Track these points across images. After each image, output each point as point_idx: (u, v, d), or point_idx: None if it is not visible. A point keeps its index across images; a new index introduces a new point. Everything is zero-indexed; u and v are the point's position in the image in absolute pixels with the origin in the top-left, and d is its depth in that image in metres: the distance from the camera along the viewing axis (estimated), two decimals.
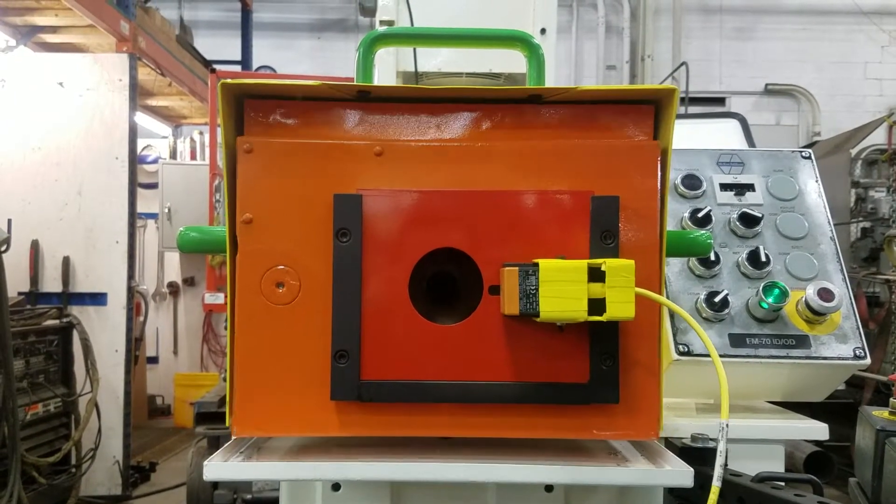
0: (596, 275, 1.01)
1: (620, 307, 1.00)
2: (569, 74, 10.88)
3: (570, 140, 1.15)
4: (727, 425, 1.03)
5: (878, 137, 8.40)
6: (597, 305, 1.01)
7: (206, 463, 1.10)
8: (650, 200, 1.12)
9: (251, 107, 1.16)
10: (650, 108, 1.16)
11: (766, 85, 11.20)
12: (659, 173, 1.13)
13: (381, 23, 2.36)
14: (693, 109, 9.62)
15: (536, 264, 1.02)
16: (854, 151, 8.05)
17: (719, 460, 1.02)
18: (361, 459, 1.14)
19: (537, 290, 1.01)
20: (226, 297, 1.16)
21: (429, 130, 1.17)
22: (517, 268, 1.03)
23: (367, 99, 1.16)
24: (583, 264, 1.01)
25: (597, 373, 1.10)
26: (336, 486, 1.37)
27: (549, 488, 1.39)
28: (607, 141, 1.15)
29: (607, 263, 1.00)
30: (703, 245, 1.28)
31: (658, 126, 1.16)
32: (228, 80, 1.11)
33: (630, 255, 1.08)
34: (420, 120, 1.17)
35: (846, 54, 11.19)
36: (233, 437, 1.20)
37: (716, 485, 1.01)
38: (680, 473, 1.11)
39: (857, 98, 11.18)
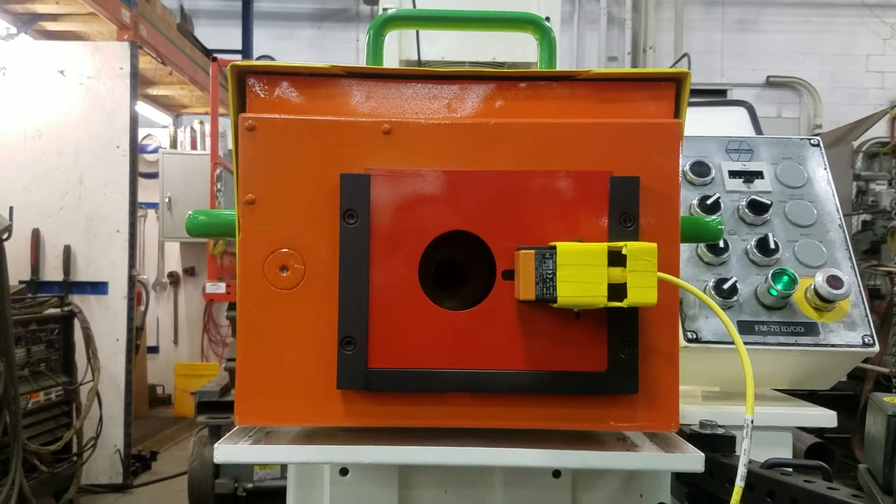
0: (616, 258, 0.96)
1: (642, 292, 0.96)
2: (570, 66, 10.85)
3: (589, 118, 1.10)
4: (752, 421, 0.98)
5: (879, 130, 8.39)
6: (617, 291, 0.96)
7: (216, 446, 1.09)
8: (671, 181, 1.07)
9: (254, 82, 1.11)
10: (671, 86, 1.11)
11: (768, 77, 11.18)
12: (680, 154, 1.09)
13: (386, 10, 2.35)
14: (697, 100, 9.58)
15: (554, 247, 0.98)
16: (855, 144, 8.04)
17: (743, 459, 0.98)
18: (369, 444, 1.12)
19: (554, 274, 0.97)
20: (236, 283, 1.14)
21: (440, 108, 1.12)
22: (533, 251, 0.99)
23: (375, 73, 1.12)
24: (603, 247, 0.97)
25: (615, 361, 1.05)
26: (344, 471, 1.36)
27: (556, 474, 1.39)
28: (627, 119, 1.10)
29: (629, 246, 0.96)
30: (715, 231, 1.27)
31: (679, 105, 1.11)
32: (238, 62, 1.10)
33: (649, 239, 1.03)
34: (431, 96, 1.12)
35: (848, 47, 11.16)
36: (235, 427, 1.17)
37: (739, 485, 0.97)
38: (691, 458, 1.10)
39: (859, 91, 11.16)
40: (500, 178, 1.07)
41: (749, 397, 0.99)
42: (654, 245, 0.97)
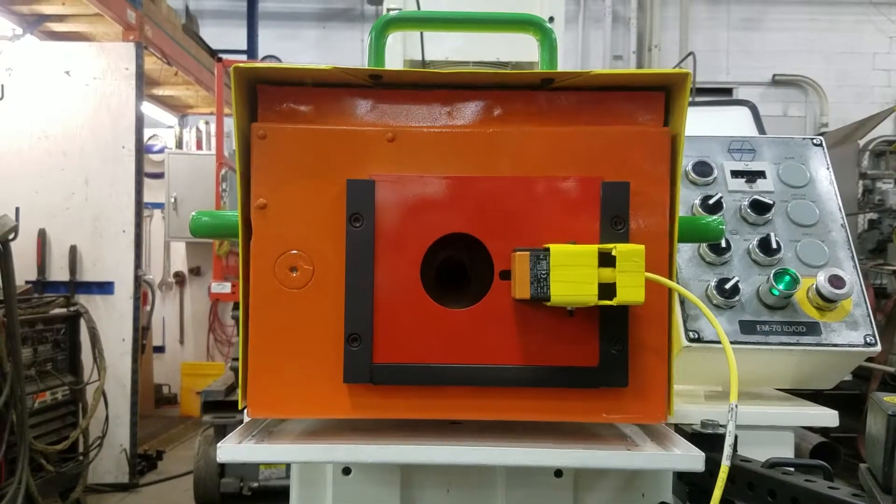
0: (606, 259, 1.02)
1: (631, 291, 1.01)
2: (575, 64, 10.84)
3: (581, 126, 1.16)
4: (736, 406, 1.05)
5: (885, 129, 8.38)
6: (607, 290, 1.02)
7: (219, 445, 1.11)
8: (660, 187, 1.14)
9: (265, 93, 1.17)
10: (660, 95, 1.17)
11: (774, 76, 11.16)
12: (670, 160, 1.14)
13: (389, 11, 2.36)
14: (700, 100, 9.58)
15: (548, 249, 1.04)
16: (862, 142, 8.02)
17: (728, 440, 1.04)
18: (372, 442, 1.14)
19: (548, 274, 1.03)
20: (239, 282, 1.16)
21: (441, 117, 1.18)
22: (528, 252, 1.04)
23: (380, 85, 1.17)
24: (593, 249, 1.03)
25: (606, 357, 1.12)
26: (346, 471, 1.38)
27: (558, 473, 1.40)
28: (618, 127, 1.16)
29: (618, 248, 1.02)
30: (716, 231, 1.28)
31: (668, 113, 1.17)
32: (241, 65, 1.11)
33: (640, 241, 1.09)
34: (432, 106, 1.18)
35: (854, 45, 11.13)
36: (247, 419, 1.22)
37: (725, 464, 1.03)
38: (691, 458, 1.12)
39: (865, 89, 11.13)
40: (498, 183, 1.14)
41: (733, 383, 1.06)
42: (642, 247, 1.03)
